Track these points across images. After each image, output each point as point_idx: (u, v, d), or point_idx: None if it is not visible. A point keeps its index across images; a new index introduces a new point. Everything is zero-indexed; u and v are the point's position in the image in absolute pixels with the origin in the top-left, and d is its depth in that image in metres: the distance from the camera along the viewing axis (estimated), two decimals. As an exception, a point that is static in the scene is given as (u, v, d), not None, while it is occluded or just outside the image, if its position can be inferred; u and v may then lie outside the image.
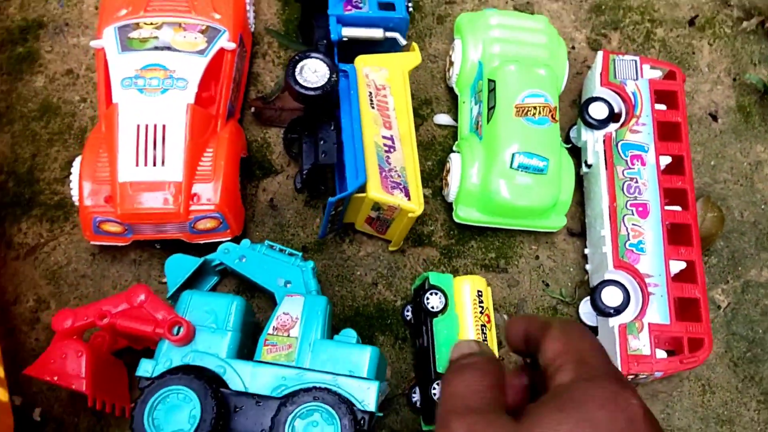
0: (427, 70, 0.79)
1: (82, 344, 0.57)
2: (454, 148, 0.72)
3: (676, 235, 0.67)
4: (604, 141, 0.70)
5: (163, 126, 0.63)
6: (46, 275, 0.69)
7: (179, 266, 0.66)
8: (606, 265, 0.66)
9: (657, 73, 0.73)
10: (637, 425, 0.29)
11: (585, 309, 0.69)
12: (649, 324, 0.63)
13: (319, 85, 0.61)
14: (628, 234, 0.66)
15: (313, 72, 0.61)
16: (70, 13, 0.79)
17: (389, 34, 0.69)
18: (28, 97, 0.75)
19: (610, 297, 0.65)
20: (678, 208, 0.68)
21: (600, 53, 0.72)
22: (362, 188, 0.62)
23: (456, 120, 0.76)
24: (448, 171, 0.70)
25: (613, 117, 0.70)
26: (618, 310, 0.64)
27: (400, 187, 0.63)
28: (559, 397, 0.31)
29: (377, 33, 0.69)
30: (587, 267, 0.71)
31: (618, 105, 0.71)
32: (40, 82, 0.76)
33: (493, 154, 0.66)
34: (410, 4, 0.72)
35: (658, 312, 0.64)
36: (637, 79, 0.71)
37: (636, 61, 0.72)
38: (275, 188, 0.74)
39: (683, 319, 0.64)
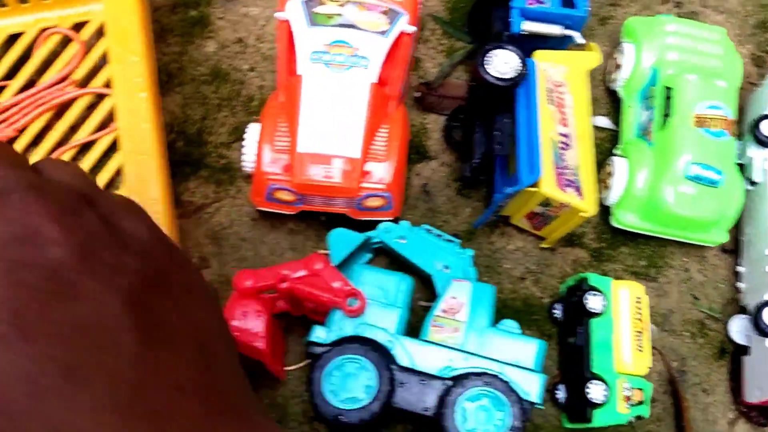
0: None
1: (261, 304, 0.59)
2: (616, 152, 0.72)
3: None
4: None
5: (346, 102, 0.65)
6: (208, 235, 0.71)
7: (342, 240, 0.67)
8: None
9: None
10: None
11: (735, 327, 0.69)
12: None
13: (509, 76, 0.61)
14: None
15: (504, 63, 0.62)
16: (242, -18, 0.81)
17: (569, 32, 0.69)
18: (199, 60, 0.78)
19: None
20: None
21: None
22: (534, 183, 0.63)
23: (615, 123, 0.75)
24: (610, 174, 0.70)
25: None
26: None
27: (574, 185, 0.63)
28: None
29: (556, 30, 0.69)
30: (739, 285, 0.71)
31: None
32: (211, 47, 0.78)
33: (665, 162, 0.66)
34: (589, 3, 0.72)
35: None
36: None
37: None
38: (429, 174, 0.75)
39: None
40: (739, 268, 0.71)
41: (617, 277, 0.71)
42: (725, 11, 0.82)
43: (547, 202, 0.64)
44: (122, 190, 0.60)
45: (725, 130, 0.66)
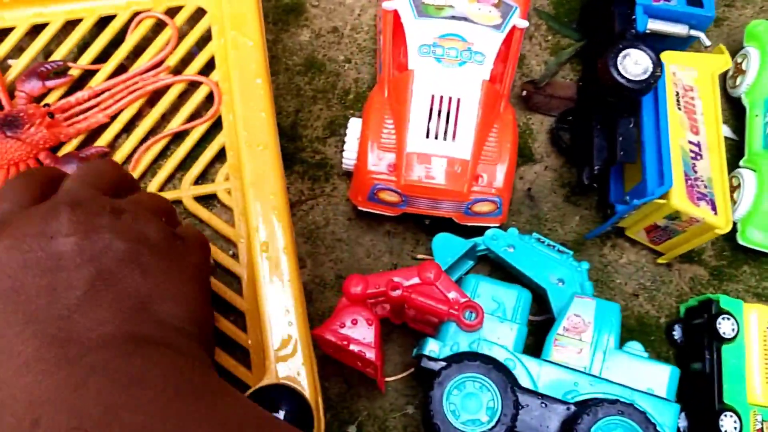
0: (705, 75, 0.74)
1: (373, 312, 0.55)
2: (743, 164, 0.67)
3: None
4: None
5: (458, 100, 0.61)
6: (303, 233, 0.68)
7: (448, 246, 0.63)
8: None
9: None
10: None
11: None
12: None
13: (640, 78, 0.57)
14: None
15: (635, 63, 0.57)
16: (337, -30, 0.77)
17: (695, 33, 0.64)
18: (293, 49, 0.74)
19: None
20: None
21: None
22: (664, 194, 0.59)
23: (736, 133, 0.70)
24: (736, 187, 0.65)
25: None
26: None
27: (707, 199, 0.58)
28: None
29: (682, 29, 0.64)
30: None
31: None
32: (305, 36, 0.74)
33: (802, 178, 0.61)
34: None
35: None
36: None
37: None
38: (532, 177, 0.70)
39: None
40: None
41: (739, 299, 0.66)
42: None
43: (674, 216, 0.60)
44: (243, 182, 0.56)
45: None
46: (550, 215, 0.69)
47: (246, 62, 0.55)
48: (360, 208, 0.65)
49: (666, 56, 0.63)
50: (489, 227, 0.64)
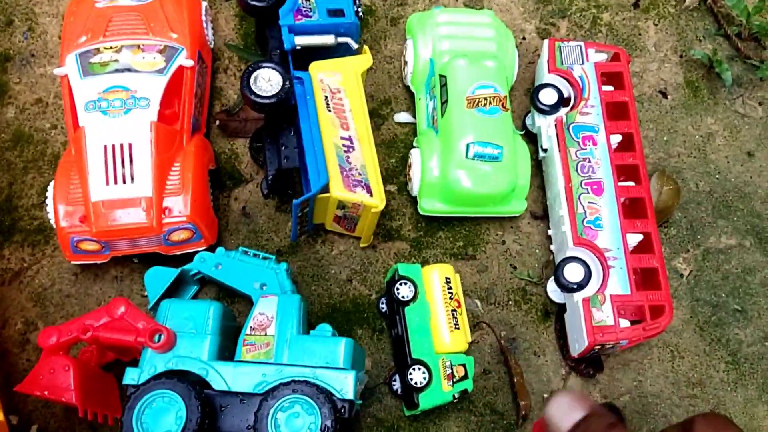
0: (384, 71, 0.82)
1: (68, 358, 0.59)
2: (414, 144, 0.75)
3: (631, 209, 0.70)
4: (555, 125, 0.73)
5: (130, 144, 0.66)
6: (32, 298, 0.71)
7: (158, 278, 0.68)
8: (567, 243, 0.69)
9: (603, 56, 0.76)
10: None
11: (552, 287, 0.72)
12: (611, 296, 0.66)
13: (273, 93, 0.63)
14: (585, 212, 0.69)
15: (267, 81, 0.64)
16: (35, 44, 0.81)
17: (341, 39, 0.72)
18: (0, 128, 0.77)
19: (573, 273, 0.67)
20: (632, 183, 0.71)
21: (546, 42, 0.75)
22: (325, 188, 0.65)
23: (415, 117, 0.78)
24: (410, 166, 0.73)
25: (563, 102, 0.73)
26: (581, 285, 0.67)
27: (362, 184, 0.65)
28: None
29: (328, 39, 0.71)
30: (552, 247, 0.74)
31: (567, 90, 0.74)
32: (11, 112, 0.78)
33: (449, 146, 0.69)
34: (360, 9, 0.75)
35: (619, 283, 0.67)
36: (583, 63, 0.74)
37: (581, 47, 0.75)
38: (246, 196, 0.76)
39: (644, 289, 0.67)
40: (549, 231, 0.75)
41: (438, 262, 0.74)
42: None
43: (343, 204, 0.66)
44: None
45: (497, 106, 0.69)
46: (265, 227, 0.75)
47: None
48: (72, 262, 0.69)
49: (313, 66, 0.70)
50: (198, 251, 0.69)
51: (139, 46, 0.70)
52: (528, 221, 0.77)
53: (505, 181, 0.69)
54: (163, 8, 0.73)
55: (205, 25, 0.77)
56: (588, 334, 0.65)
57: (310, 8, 0.72)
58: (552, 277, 0.73)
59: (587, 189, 0.70)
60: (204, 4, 0.78)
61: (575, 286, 0.67)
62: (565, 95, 0.73)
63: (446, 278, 0.67)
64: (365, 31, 0.83)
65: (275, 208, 0.76)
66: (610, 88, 0.74)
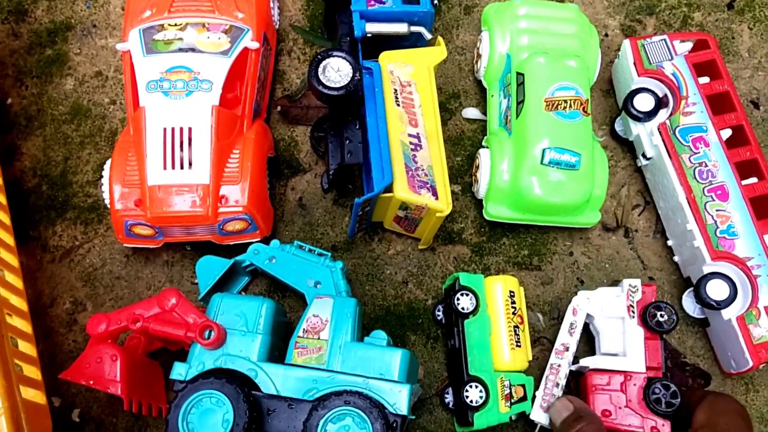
0: (455, 63, 0.77)
1: (116, 348, 0.58)
2: (483, 144, 0.71)
3: (761, 207, 0.65)
4: (660, 131, 0.67)
5: (189, 129, 0.63)
6: (81, 277, 0.70)
7: (210, 268, 0.66)
8: (701, 258, 0.64)
9: (687, 46, 0.70)
10: None
11: (688, 302, 0.68)
12: (765, 308, 0.62)
13: (342, 84, 0.60)
14: (716, 221, 0.64)
15: (336, 71, 0.60)
16: (97, 15, 0.79)
17: (414, 29, 0.68)
18: (58, 100, 0.76)
19: (716, 290, 0.63)
20: (754, 179, 0.66)
21: (626, 42, 0.70)
22: (389, 188, 0.62)
23: (485, 114, 0.74)
24: (477, 167, 0.69)
25: (660, 104, 0.68)
26: (727, 302, 0.63)
27: (428, 186, 0.62)
28: None
29: (401, 27, 0.68)
30: (676, 259, 0.69)
31: (662, 91, 0.69)
32: (69, 84, 0.76)
33: (523, 150, 0.64)
34: (437, -2, 0.71)
35: None
36: (672, 58, 0.69)
37: (665, 40, 0.70)
38: (304, 187, 0.73)
39: None
40: (669, 242, 0.70)
41: (500, 271, 0.70)
42: (588, -15, 0.81)
43: (405, 206, 0.63)
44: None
45: (578, 110, 0.65)
46: (322, 220, 0.72)
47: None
48: (124, 245, 0.67)
49: (384, 56, 0.66)
50: (252, 242, 0.67)
51: (204, 25, 0.67)
52: (599, 233, 0.72)
53: (580, 191, 0.64)
54: (231, -15, 0.70)
55: (271, 4, 0.74)
56: (751, 355, 0.62)
57: (385, -6, 0.68)
58: (688, 291, 0.68)
59: (711, 196, 0.65)
60: (273, -18, 0.75)
61: (721, 304, 0.63)
62: (661, 96, 0.68)
63: (510, 291, 0.64)
64: (437, 18, 0.79)
65: (333, 201, 0.73)
66: (706, 79, 0.69)
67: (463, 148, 0.74)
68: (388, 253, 0.71)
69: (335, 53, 0.60)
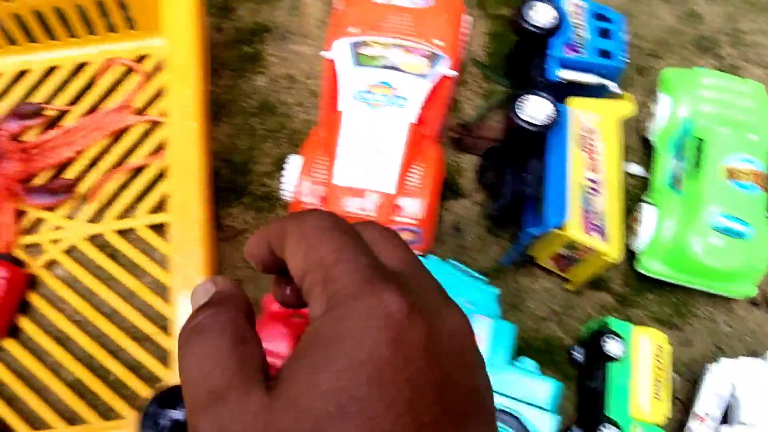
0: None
1: (289, 329, 0.62)
2: (644, 199, 0.73)
3: None
4: None
5: (384, 139, 0.68)
6: (244, 259, 0.75)
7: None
8: None
9: None
10: (409, 349, 0.22)
11: None
12: None
13: (540, 122, 0.64)
14: None
15: (537, 108, 0.64)
16: (294, 22, 0.86)
17: (606, 82, 0.71)
18: (249, 93, 0.82)
19: None
20: None
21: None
22: (562, 225, 0.65)
23: (647, 171, 0.77)
24: (638, 221, 0.71)
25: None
26: None
27: (600, 230, 0.65)
28: (311, 345, 0.23)
29: (593, 79, 0.71)
30: None
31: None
32: (261, 81, 0.83)
33: (693, 212, 0.67)
34: (627, 55, 0.74)
35: None
36: None
37: None
38: (460, 211, 0.77)
39: None
40: None
41: (641, 324, 0.72)
42: (766, 66, 0.83)
43: (572, 245, 0.66)
44: (168, 212, 0.64)
45: (756, 184, 0.66)
46: (474, 245, 0.76)
47: (183, 107, 0.63)
48: (296, 235, 0.72)
49: (572, 101, 0.70)
50: (412, 254, 0.71)
51: (407, 48, 0.73)
52: (744, 305, 0.73)
53: (743, 261, 0.66)
54: (435, 15, 0.75)
55: (463, 38, 0.79)
56: None
57: (582, 44, 0.71)
58: None
59: None
60: (469, 18, 0.79)
61: None
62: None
63: (659, 346, 0.65)
64: (610, 74, 0.82)
65: (487, 229, 0.76)
66: None
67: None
68: (533, 287, 0.74)
69: (538, 92, 0.65)
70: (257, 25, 0.86)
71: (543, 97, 0.64)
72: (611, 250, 0.64)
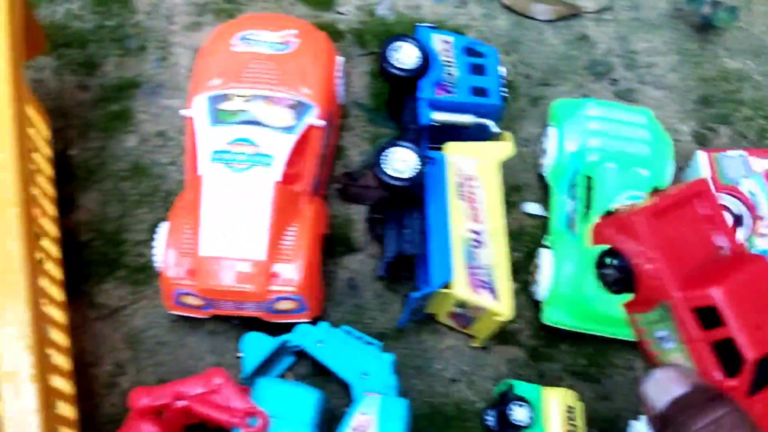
0: (519, 155, 0.75)
1: (156, 424, 0.56)
2: (544, 242, 0.69)
3: None
4: None
5: (248, 203, 0.63)
6: (125, 339, 0.68)
7: (256, 345, 0.64)
8: None
9: (766, 164, 0.68)
10: None
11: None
12: None
13: (407, 175, 0.59)
14: None
15: (402, 161, 0.59)
16: (164, 74, 0.80)
17: (482, 121, 0.67)
18: (119, 155, 0.76)
19: None
20: None
21: (701, 154, 0.68)
22: (447, 284, 0.60)
23: (547, 210, 0.72)
24: (537, 267, 0.67)
25: (736, 223, 0.66)
26: None
27: (488, 287, 0.60)
28: None
29: (468, 119, 0.67)
30: None
31: (737, 208, 0.67)
32: (132, 141, 0.77)
33: (589, 257, 0.62)
34: (506, 90, 0.70)
35: None
36: (748, 176, 0.67)
37: (744, 157, 0.68)
38: (356, 267, 0.72)
39: None
40: None
41: (557, 379, 0.67)
42: (664, 87, 0.80)
43: (462, 304, 0.61)
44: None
45: (649, 222, 0.63)
46: (372, 304, 0.70)
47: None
48: (171, 311, 0.66)
49: (449, 147, 0.65)
50: (300, 323, 0.65)
51: (270, 99, 0.67)
52: (657, 345, 0.69)
53: (645, 305, 0.62)
54: (300, 61, 0.70)
55: (338, 81, 0.74)
56: None
57: (452, 84, 0.67)
58: None
59: None
60: (341, 59, 0.75)
61: None
62: (736, 214, 0.66)
63: (569, 407, 0.61)
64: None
65: (385, 285, 0.71)
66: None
67: (523, 244, 0.72)
68: (439, 347, 0.69)
69: (401, 143, 0.60)
70: (124, 80, 0.79)
71: (407, 148, 0.59)
72: (501, 307, 0.59)
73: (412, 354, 0.68)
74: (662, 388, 0.37)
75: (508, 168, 0.75)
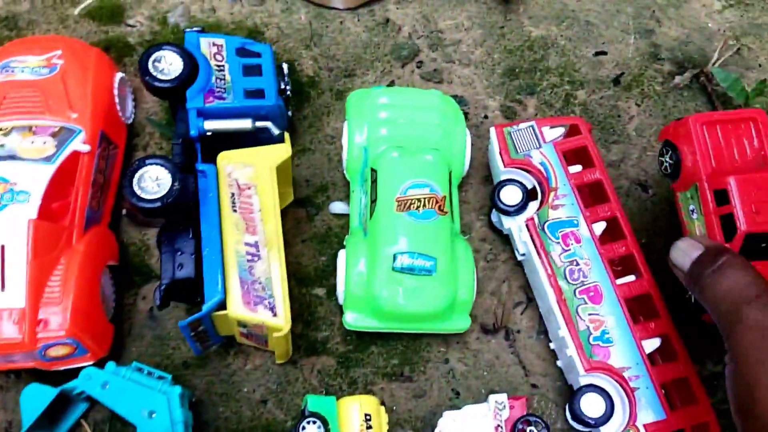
0: (324, 153, 0.72)
1: None
2: (345, 243, 0.64)
3: (639, 309, 0.60)
4: (528, 227, 0.62)
5: (2, 247, 0.57)
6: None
7: (36, 398, 0.59)
8: (576, 370, 0.58)
9: (560, 131, 0.65)
10: None
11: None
12: (645, 426, 0.56)
13: (159, 195, 0.54)
14: (588, 327, 0.58)
15: (155, 180, 0.54)
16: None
17: (260, 124, 0.63)
18: None
19: (591, 407, 0.57)
20: (631, 277, 0.60)
21: (492, 130, 0.65)
22: (223, 305, 0.55)
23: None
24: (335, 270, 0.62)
25: (529, 197, 0.63)
26: (603, 420, 0.56)
27: (265, 302, 0.55)
28: None
29: (245, 124, 0.62)
30: (559, 364, 0.62)
31: (530, 182, 0.64)
32: None
33: (375, 255, 0.58)
34: (288, 87, 0.65)
35: (650, 408, 0.56)
36: (540, 146, 0.64)
37: (533, 127, 0.65)
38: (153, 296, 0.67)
39: (681, 406, 0.57)
40: (552, 345, 0.63)
41: (369, 383, 0.63)
42: (471, 63, 0.77)
43: (244, 323, 0.56)
44: None
45: (433, 209, 0.59)
46: (174, 332, 0.65)
47: None
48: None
49: (222, 157, 0.60)
50: (85, 366, 0.60)
51: (31, 128, 0.62)
52: (477, 336, 0.66)
53: (440, 298, 0.58)
54: (65, 83, 0.64)
55: (118, 99, 0.68)
56: None
57: (225, 89, 0.62)
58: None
59: (583, 298, 0.59)
60: (119, 75, 0.69)
61: (597, 422, 0.56)
62: (530, 187, 0.63)
63: (366, 415, 0.57)
64: (306, 105, 0.74)
65: (186, 310, 0.66)
66: (578, 167, 0.64)
67: (330, 246, 0.68)
68: (246, 368, 0.64)
69: (151, 161, 0.55)
70: None
71: (160, 165, 0.54)
72: (278, 321, 0.55)
73: (217, 380, 0.64)
74: (684, 253, 0.50)
75: (315, 168, 0.72)
